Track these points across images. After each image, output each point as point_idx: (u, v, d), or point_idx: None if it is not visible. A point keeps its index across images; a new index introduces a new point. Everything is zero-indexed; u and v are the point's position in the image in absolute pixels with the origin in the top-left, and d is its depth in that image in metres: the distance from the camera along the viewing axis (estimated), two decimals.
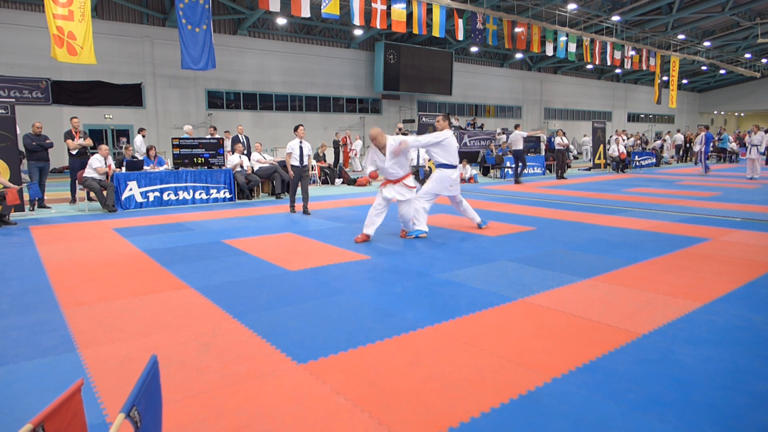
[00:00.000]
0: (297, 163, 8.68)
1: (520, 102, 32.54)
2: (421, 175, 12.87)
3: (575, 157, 26.47)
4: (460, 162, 13.90)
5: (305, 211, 8.76)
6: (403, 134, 13.74)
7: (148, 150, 10.94)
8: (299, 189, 9.00)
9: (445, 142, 6.46)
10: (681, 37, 28.09)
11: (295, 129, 8.74)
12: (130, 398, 1.20)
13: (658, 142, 24.61)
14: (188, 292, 4.20)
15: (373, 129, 6.38)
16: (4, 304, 3.90)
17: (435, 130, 6.68)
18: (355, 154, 20.68)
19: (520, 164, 14.54)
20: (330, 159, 17.83)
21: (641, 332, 3.21)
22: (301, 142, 8.65)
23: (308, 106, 24.04)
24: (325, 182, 14.30)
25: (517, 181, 14.38)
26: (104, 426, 2.20)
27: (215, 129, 14.06)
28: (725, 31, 29.23)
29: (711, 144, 18.38)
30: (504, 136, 20.48)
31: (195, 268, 4.96)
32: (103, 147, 9.43)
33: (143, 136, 13.72)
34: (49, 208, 9.50)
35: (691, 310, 3.63)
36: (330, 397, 2.44)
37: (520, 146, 14.31)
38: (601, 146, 19.65)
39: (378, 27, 15.15)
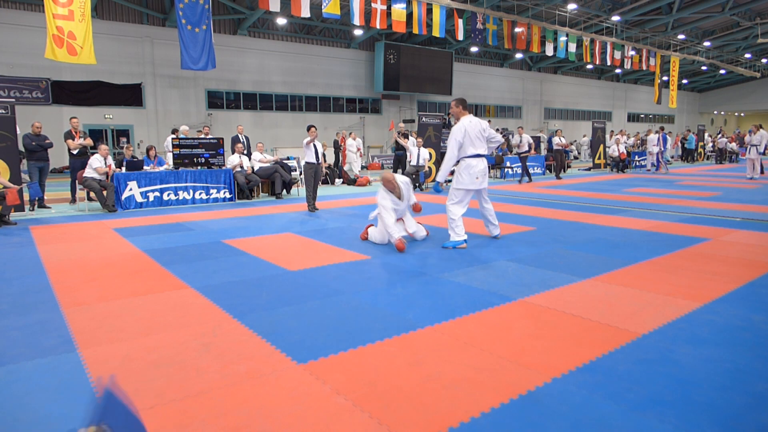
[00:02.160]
0: (313, 161, 8.90)
1: (520, 102, 32.54)
2: (421, 178, 12.78)
3: (575, 158, 26.48)
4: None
5: (314, 208, 9.04)
6: (404, 134, 13.71)
7: (148, 150, 10.94)
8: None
9: (461, 134, 5.78)
10: (681, 37, 28.09)
11: (308, 129, 9.02)
12: (92, 418, 1.21)
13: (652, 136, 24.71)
14: (188, 292, 4.20)
15: (387, 173, 5.97)
16: (4, 304, 3.90)
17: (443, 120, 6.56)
18: (360, 153, 20.48)
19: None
20: (330, 159, 17.80)
21: (641, 332, 3.21)
22: (314, 141, 8.88)
23: (308, 106, 24.03)
24: (324, 182, 14.30)
25: (529, 180, 15.02)
26: None
27: (198, 130, 14.04)
28: (725, 31, 29.23)
29: (666, 144, 19.32)
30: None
31: (195, 268, 4.96)
32: (103, 147, 9.43)
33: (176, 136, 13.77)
34: (49, 208, 9.50)
35: (691, 310, 3.62)
36: (330, 397, 2.44)
37: (525, 148, 15.11)
38: (601, 146, 19.66)
39: (378, 27, 15.14)
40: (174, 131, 14.06)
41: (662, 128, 18.93)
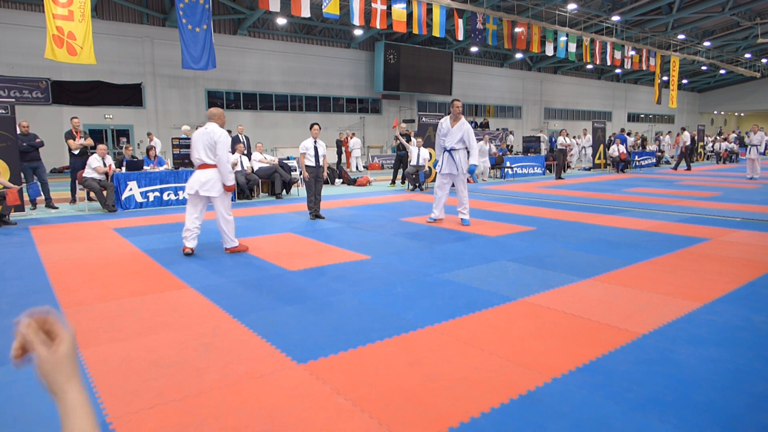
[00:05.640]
0: (312, 164, 8.02)
1: (520, 102, 32.54)
2: (421, 177, 12.79)
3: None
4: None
5: (318, 215, 8.21)
6: (404, 135, 13.71)
7: (148, 150, 10.93)
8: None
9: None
10: (681, 37, 28.09)
11: (310, 128, 8.09)
12: None
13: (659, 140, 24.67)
14: (188, 292, 4.20)
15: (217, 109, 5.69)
16: (4, 304, 3.90)
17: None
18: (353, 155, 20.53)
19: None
20: (331, 159, 17.77)
21: (641, 332, 3.21)
22: (315, 141, 7.97)
23: (308, 106, 24.04)
24: (325, 182, 14.27)
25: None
26: (104, 426, 2.20)
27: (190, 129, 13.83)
28: (725, 31, 29.23)
29: (625, 145, 19.52)
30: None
31: (195, 268, 4.96)
32: (101, 147, 9.43)
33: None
34: (56, 208, 9.41)
35: (691, 310, 3.62)
36: (330, 397, 2.43)
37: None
38: (601, 146, 19.66)
39: (378, 27, 15.14)
40: (234, 132, 12.90)
41: (622, 130, 19.70)
